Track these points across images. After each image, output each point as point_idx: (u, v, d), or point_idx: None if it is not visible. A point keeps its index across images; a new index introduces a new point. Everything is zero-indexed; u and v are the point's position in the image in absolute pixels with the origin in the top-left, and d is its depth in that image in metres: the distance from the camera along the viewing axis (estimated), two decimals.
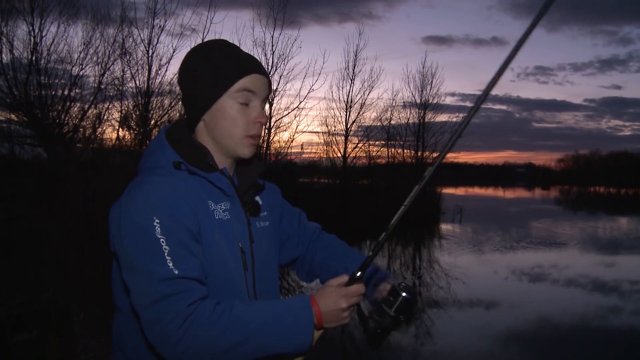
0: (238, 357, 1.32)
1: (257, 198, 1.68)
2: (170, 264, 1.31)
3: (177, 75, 1.57)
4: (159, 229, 1.33)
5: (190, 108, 1.54)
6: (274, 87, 16.85)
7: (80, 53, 13.50)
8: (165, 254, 1.31)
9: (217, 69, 1.49)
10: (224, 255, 1.47)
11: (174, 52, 14.10)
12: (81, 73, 13.55)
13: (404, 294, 1.48)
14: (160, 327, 1.28)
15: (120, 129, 13.46)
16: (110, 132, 14.11)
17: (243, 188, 1.60)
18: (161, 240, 1.32)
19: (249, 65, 1.51)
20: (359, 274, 1.45)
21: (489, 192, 53.71)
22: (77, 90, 13.61)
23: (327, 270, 1.81)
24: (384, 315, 1.48)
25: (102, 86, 13.63)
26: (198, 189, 1.47)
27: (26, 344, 4.53)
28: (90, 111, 13.61)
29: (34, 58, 12.79)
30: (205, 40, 1.60)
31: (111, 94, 13.80)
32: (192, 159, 1.50)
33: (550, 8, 1.35)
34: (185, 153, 1.51)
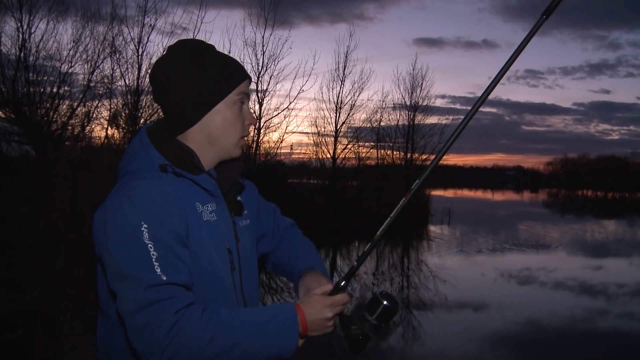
0: None
1: (239, 197, 1.68)
2: (159, 270, 1.28)
3: (155, 79, 1.52)
4: (146, 234, 1.30)
5: (184, 112, 1.51)
6: (264, 87, 16.84)
7: (70, 50, 13.42)
8: (154, 259, 1.29)
9: (217, 74, 1.49)
10: (212, 257, 1.46)
11: (164, 51, 14.08)
12: (70, 71, 13.47)
13: (385, 302, 1.49)
14: (147, 334, 1.26)
15: (109, 128, 13.39)
16: (99, 131, 14.04)
17: (226, 188, 1.59)
18: (149, 245, 1.30)
19: (243, 70, 1.54)
20: (342, 283, 1.47)
21: (478, 194, 53.94)
22: (66, 88, 13.52)
23: (279, 264, 1.86)
24: (365, 322, 1.49)
25: (92, 84, 13.55)
26: (185, 191, 1.45)
27: (11, 344, 4.50)
28: (79, 109, 13.52)
29: (22, 55, 12.68)
30: (179, 40, 1.58)
31: (100, 92, 13.73)
32: (177, 161, 1.48)
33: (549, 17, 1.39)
34: (171, 155, 1.49)
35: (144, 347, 1.27)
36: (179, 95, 1.49)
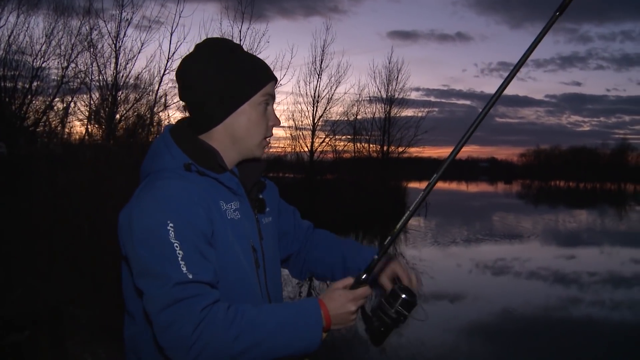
0: (250, 358, 1.33)
1: (261, 195, 1.71)
2: (184, 269, 1.30)
3: (182, 76, 1.55)
4: (172, 233, 1.32)
5: (209, 112, 1.52)
6: None
7: (43, 45, 13.18)
8: (179, 258, 1.31)
9: (243, 74, 1.52)
10: (237, 256, 1.49)
11: (142, 45, 13.89)
12: (43, 65, 13.23)
13: (403, 296, 1.53)
14: (173, 331, 1.28)
15: (89, 124, 13.20)
16: (79, 127, 13.85)
17: (248, 186, 1.61)
18: (175, 244, 1.32)
19: (269, 71, 1.57)
20: (364, 276, 1.48)
21: (453, 186, 54.36)
22: (38, 83, 13.29)
23: (322, 265, 1.85)
24: (386, 315, 1.53)
25: (66, 79, 13.34)
26: (209, 190, 1.47)
27: (18, 345, 4.48)
28: (56, 104, 13.31)
29: None
30: (207, 39, 1.61)
31: (75, 87, 13.51)
32: (201, 160, 1.50)
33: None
34: (194, 154, 1.51)
35: (170, 345, 1.29)
36: (204, 95, 1.51)
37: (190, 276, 1.30)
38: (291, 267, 1.93)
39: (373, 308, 1.56)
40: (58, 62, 13.33)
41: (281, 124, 1.59)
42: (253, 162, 1.64)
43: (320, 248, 1.87)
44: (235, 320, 1.32)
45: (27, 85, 12.99)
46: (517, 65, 1.47)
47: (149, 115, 13.66)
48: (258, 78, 1.54)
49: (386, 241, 1.49)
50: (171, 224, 1.33)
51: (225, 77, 1.50)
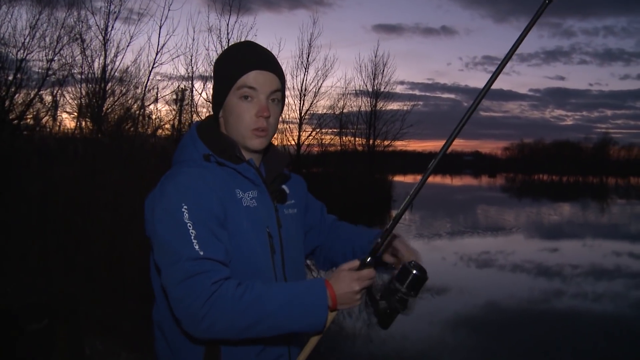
0: (258, 333, 1.44)
1: (284, 187, 1.80)
2: (197, 246, 1.42)
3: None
4: (187, 214, 1.45)
5: (212, 108, 1.71)
6: None
7: (27, 37, 12.99)
8: (192, 237, 1.43)
9: (224, 69, 1.64)
10: (250, 240, 1.59)
11: (130, 38, 13.76)
12: (27, 57, 13.04)
13: (414, 272, 1.58)
14: (186, 304, 1.39)
15: (79, 117, 13.03)
16: (68, 120, 13.70)
17: (270, 178, 1.74)
18: (188, 225, 1.44)
19: (248, 63, 1.62)
20: (369, 259, 1.56)
21: (437, 179, 54.60)
22: (21, 75, 13.09)
23: (342, 255, 1.93)
24: (395, 293, 1.58)
25: (51, 72, 13.16)
26: (226, 179, 1.60)
27: (37, 333, 4.68)
28: (43, 97, 13.13)
29: None
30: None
31: (62, 79, 13.31)
32: (220, 152, 1.64)
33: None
34: (215, 146, 1.65)
35: (184, 316, 1.41)
36: (212, 91, 1.70)
37: (202, 253, 1.42)
38: (317, 259, 2.05)
39: (384, 286, 1.62)
40: (43, 54, 13.15)
41: (267, 114, 1.62)
42: (278, 154, 1.78)
43: (341, 239, 1.97)
44: (244, 295, 1.41)
45: (10, 78, 12.80)
46: (506, 58, 1.51)
47: (138, 109, 13.54)
48: (231, 71, 1.63)
49: (388, 224, 1.57)
50: (185, 206, 1.46)
51: (216, 73, 1.67)
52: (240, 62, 1.62)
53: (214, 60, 1.71)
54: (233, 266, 1.51)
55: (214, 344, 1.52)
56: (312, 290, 1.48)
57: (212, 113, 1.75)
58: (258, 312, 1.40)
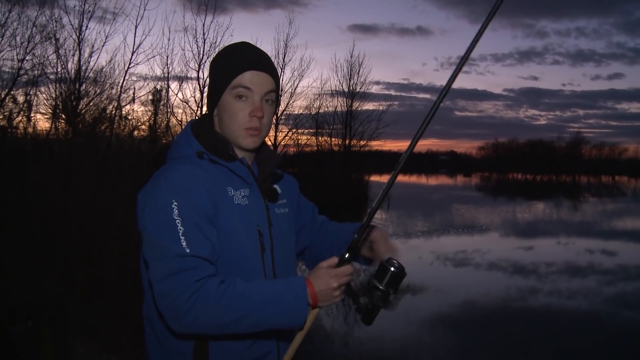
0: (240, 329, 1.46)
1: (276, 186, 1.82)
2: (184, 243, 1.44)
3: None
4: (176, 211, 1.47)
5: (207, 107, 1.72)
6: (204, 75, 16.59)
7: None
8: (180, 233, 1.45)
9: (220, 68, 1.66)
10: (240, 237, 1.61)
11: (106, 38, 13.56)
12: None
13: (392, 269, 1.60)
14: (170, 299, 1.41)
15: (54, 118, 12.79)
16: (42, 121, 13.44)
17: (262, 176, 1.75)
18: (177, 221, 1.46)
19: (244, 63, 1.64)
20: (347, 255, 1.58)
21: (413, 179, 54.99)
22: None
23: (330, 253, 1.88)
24: (374, 290, 1.60)
25: (22, 72, 12.92)
26: (219, 176, 1.62)
27: (22, 334, 4.62)
28: (16, 97, 12.86)
29: None
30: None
31: (33, 79, 13.06)
32: (213, 149, 1.65)
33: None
34: (208, 144, 1.66)
35: (168, 311, 1.43)
36: (208, 90, 1.72)
37: (188, 250, 1.44)
38: (306, 259, 2.07)
39: (363, 285, 1.64)
40: (15, 54, 12.90)
41: (260, 114, 1.64)
42: (270, 154, 1.79)
43: (329, 238, 1.99)
44: (226, 292, 1.43)
45: None
46: (466, 53, 1.54)
47: (114, 109, 13.36)
48: (227, 71, 1.64)
49: (364, 220, 1.59)
50: (175, 203, 1.48)
51: (211, 73, 1.69)
52: (236, 62, 1.64)
53: (211, 60, 1.68)
54: (222, 263, 1.54)
55: (203, 339, 1.55)
56: (292, 287, 1.51)
57: (206, 112, 1.77)
58: (239, 309, 1.43)
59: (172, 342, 1.57)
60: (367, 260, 1.85)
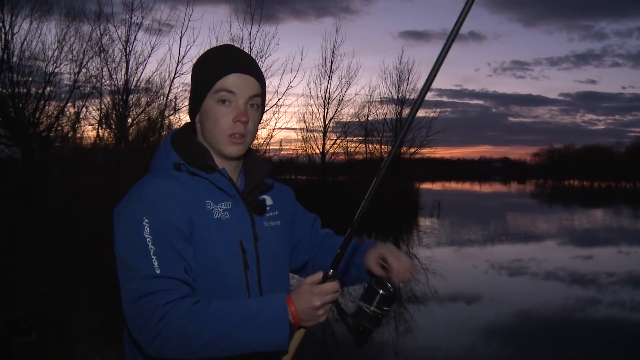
0: (215, 353, 1.35)
1: (267, 198, 1.69)
2: (155, 263, 1.35)
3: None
4: (147, 228, 1.38)
5: (189, 113, 1.62)
6: None
7: (55, 51, 13.28)
8: (151, 253, 1.36)
9: (202, 72, 1.55)
10: (219, 254, 1.50)
11: (152, 49, 13.95)
12: (56, 71, 13.33)
13: (381, 292, 1.48)
14: (140, 323, 1.33)
15: (100, 128, 13.25)
16: (90, 131, 13.92)
17: (249, 187, 1.63)
18: (148, 239, 1.37)
19: (228, 66, 1.53)
20: (330, 272, 1.43)
21: (466, 186, 54.19)
22: (51, 89, 13.39)
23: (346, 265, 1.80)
24: (363, 313, 1.49)
25: (78, 84, 13.41)
26: (197, 189, 1.51)
27: (26, 347, 4.63)
28: (68, 109, 13.40)
29: (5, 55, 12.55)
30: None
31: (87, 91, 13.59)
32: (192, 160, 1.54)
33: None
34: (186, 154, 1.55)
35: (139, 337, 1.35)
36: (189, 95, 1.62)
37: (159, 271, 1.35)
38: (309, 273, 1.88)
39: (353, 309, 1.52)
40: (70, 68, 13.43)
41: (245, 119, 1.52)
42: (259, 163, 1.68)
43: (331, 253, 1.77)
44: (198, 314, 1.33)
45: (40, 91, 13.09)
46: (446, 44, 1.40)
47: (160, 119, 13.70)
48: (209, 74, 1.53)
49: (347, 233, 1.42)
50: (146, 220, 1.38)
51: (193, 78, 1.59)
52: (219, 64, 1.53)
53: (196, 62, 1.59)
54: (201, 283, 1.45)
55: None
56: (269, 306, 1.38)
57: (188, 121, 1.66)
58: (214, 331, 1.32)
59: None
60: (377, 278, 1.60)
